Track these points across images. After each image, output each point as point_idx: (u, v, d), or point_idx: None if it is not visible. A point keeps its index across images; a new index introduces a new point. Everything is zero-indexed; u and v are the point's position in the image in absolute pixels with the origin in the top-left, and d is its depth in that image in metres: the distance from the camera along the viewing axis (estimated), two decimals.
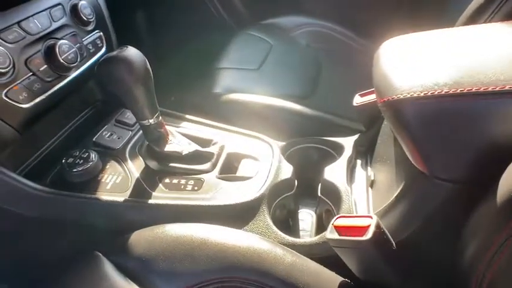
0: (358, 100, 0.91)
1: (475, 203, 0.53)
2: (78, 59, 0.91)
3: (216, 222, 0.75)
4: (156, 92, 0.84)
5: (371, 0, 1.67)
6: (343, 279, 0.68)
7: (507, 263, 0.44)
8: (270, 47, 1.55)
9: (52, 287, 0.72)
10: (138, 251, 0.69)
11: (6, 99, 0.77)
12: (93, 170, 0.90)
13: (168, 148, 0.91)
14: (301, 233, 0.91)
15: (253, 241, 0.69)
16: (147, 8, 1.89)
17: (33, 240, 0.92)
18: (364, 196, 0.84)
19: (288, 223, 0.95)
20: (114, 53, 0.77)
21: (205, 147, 0.98)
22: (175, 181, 0.90)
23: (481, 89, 0.50)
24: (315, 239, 0.80)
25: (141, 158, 0.95)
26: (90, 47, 0.99)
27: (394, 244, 0.57)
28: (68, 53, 0.88)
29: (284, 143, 1.04)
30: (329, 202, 0.89)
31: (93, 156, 0.91)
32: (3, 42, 0.77)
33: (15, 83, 0.78)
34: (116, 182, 0.89)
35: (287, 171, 0.94)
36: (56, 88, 0.88)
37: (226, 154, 0.98)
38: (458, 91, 0.51)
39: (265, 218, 0.83)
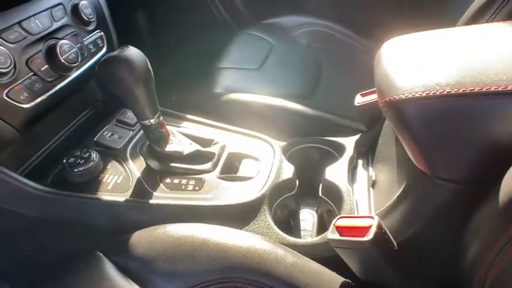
0: (359, 100, 0.91)
1: (477, 204, 0.53)
2: (79, 59, 0.91)
3: (217, 222, 0.75)
4: (157, 91, 0.84)
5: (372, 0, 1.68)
6: (345, 279, 0.68)
7: (510, 263, 0.43)
8: (270, 46, 1.55)
9: (53, 287, 0.71)
10: (139, 251, 0.69)
11: (7, 99, 0.77)
12: (94, 170, 0.90)
13: (169, 148, 0.91)
14: (302, 233, 0.91)
15: (254, 241, 0.69)
16: (148, 8, 1.89)
17: (34, 240, 0.92)
18: (366, 196, 0.84)
19: (289, 223, 0.95)
20: (115, 52, 0.77)
21: (206, 147, 0.98)
22: (176, 181, 0.90)
23: (483, 89, 0.50)
24: (316, 239, 0.80)
25: (142, 158, 0.95)
26: (91, 47, 0.99)
27: (395, 244, 0.57)
28: (69, 53, 0.88)
29: (285, 143, 1.04)
30: (330, 202, 0.89)
31: (94, 156, 0.91)
32: (4, 42, 0.77)
33: (16, 83, 0.78)
34: (117, 182, 0.89)
35: (288, 171, 0.94)
36: (57, 88, 0.88)
37: (227, 154, 0.97)
38: (460, 91, 0.51)
39: (266, 218, 0.83)
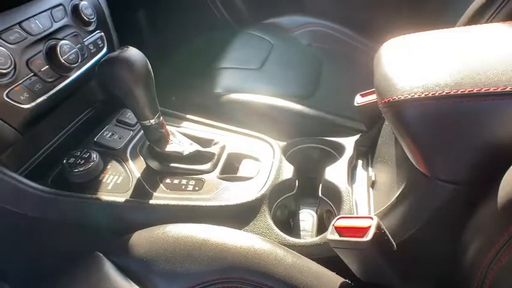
0: (359, 100, 0.91)
1: (476, 205, 0.53)
2: (79, 60, 0.92)
3: (216, 222, 0.75)
4: (157, 92, 0.84)
5: None
6: (344, 280, 0.68)
7: (509, 264, 0.43)
8: (271, 46, 1.55)
9: (53, 287, 0.72)
10: (139, 252, 0.69)
11: (8, 99, 0.77)
12: (94, 170, 0.90)
13: (169, 148, 0.91)
14: (302, 233, 0.91)
15: (254, 242, 0.69)
16: (148, 8, 1.89)
17: (34, 240, 0.93)
18: (365, 196, 0.84)
19: (288, 223, 0.95)
20: (115, 53, 0.77)
21: (206, 147, 0.98)
22: (176, 181, 0.90)
23: (482, 90, 0.50)
24: (315, 239, 0.80)
25: (142, 158, 0.95)
26: (92, 47, 0.99)
27: (394, 245, 0.57)
28: (69, 53, 0.88)
29: (285, 143, 1.04)
30: (330, 202, 0.89)
31: (94, 156, 0.91)
32: (5, 43, 0.77)
33: (17, 84, 0.79)
34: (116, 183, 0.89)
35: (288, 171, 0.94)
36: (57, 88, 0.88)
37: (227, 154, 0.98)
38: (459, 92, 0.51)
39: (266, 218, 0.83)
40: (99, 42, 1.02)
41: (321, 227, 0.92)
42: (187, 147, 0.93)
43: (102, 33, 1.04)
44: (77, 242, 0.85)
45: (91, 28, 1.00)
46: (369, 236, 0.53)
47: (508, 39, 0.61)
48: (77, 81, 0.94)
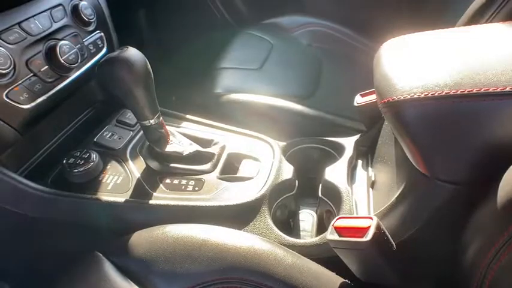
0: (359, 100, 0.91)
1: (475, 205, 0.53)
2: (79, 60, 0.92)
3: (216, 222, 0.75)
4: (156, 92, 0.84)
5: None
6: (344, 280, 0.68)
7: (508, 264, 0.43)
8: (271, 46, 1.55)
9: (52, 287, 0.72)
10: (138, 252, 0.69)
11: (7, 100, 0.77)
12: (94, 171, 0.90)
13: (168, 148, 0.91)
14: (301, 233, 0.91)
15: (253, 242, 0.69)
16: (148, 8, 1.89)
17: (33, 240, 0.93)
18: (365, 197, 0.84)
19: (288, 224, 0.95)
20: (115, 53, 0.77)
21: (206, 147, 0.98)
22: (176, 181, 0.90)
23: (482, 90, 0.50)
24: (315, 239, 0.80)
25: (142, 158, 0.95)
26: (91, 48, 0.99)
27: (394, 245, 0.57)
28: (69, 53, 0.88)
29: (285, 143, 1.04)
30: (330, 203, 0.89)
31: (94, 156, 0.91)
32: (4, 43, 0.77)
33: (16, 84, 0.79)
34: (116, 183, 0.89)
35: (288, 171, 0.94)
36: (56, 89, 0.88)
37: (227, 154, 0.98)
38: (458, 92, 0.51)
39: (265, 218, 0.83)
40: (99, 43, 1.02)
41: (321, 227, 0.92)
42: (187, 148, 0.93)
43: (102, 34, 1.04)
44: (76, 242, 0.85)
45: (91, 28, 1.00)
46: (369, 236, 0.53)
47: (507, 40, 0.61)
48: (77, 81, 0.94)
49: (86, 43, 0.97)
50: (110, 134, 1.02)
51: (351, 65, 1.57)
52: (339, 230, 0.59)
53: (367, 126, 0.95)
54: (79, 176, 0.88)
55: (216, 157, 0.95)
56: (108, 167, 0.93)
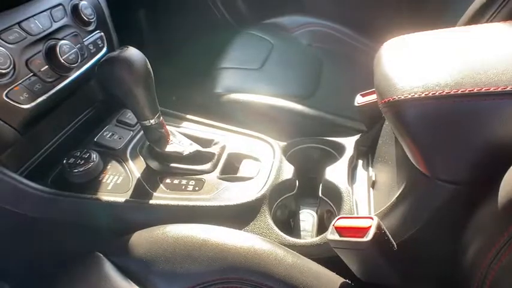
0: (359, 100, 0.91)
1: (476, 205, 0.53)
2: (79, 60, 0.91)
3: (216, 222, 0.75)
4: (157, 92, 0.84)
5: None
6: (344, 280, 0.68)
7: (509, 264, 0.43)
8: (271, 46, 1.55)
9: (52, 287, 0.71)
10: (138, 252, 0.69)
11: (7, 99, 0.77)
12: (94, 171, 0.90)
13: (169, 148, 0.91)
14: (302, 233, 0.91)
15: (254, 242, 0.69)
16: (148, 8, 1.89)
17: (33, 240, 0.93)
18: (366, 196, 0.84)
19: (289, 224, 0.95)
20: (115, 53, 0.77)
21: (206, 147, 0.98)
22: (176, 181, 0.90)
23: (483, 90, 0.50)
24: (316, 239, 0.80)
25: (142, 158, 0.95)
26: (91, 47, 0.99)
27: (395, 245, 0.57)
28: (69, 53, 0.88)
29: (285, 143, 1.04)
30: (330, 202, 0.89)
31: (94, 156, 0.91)
32: (4, 42, 0.77)
33: (16, 84, 0.78)
34: (116, 183, 0.89)
35: (288, 171, 0.94)
36: (56, 88, 0.88)
37: (227, 154, 0.97)
38: (459, 92, 0.51)
39: (266, 218, 0.83)
40: (99, 42, 1.02)
41: (321, 227, 0.92)
42: (187, 147, 0.93)
43: (102, 33, 1.03)
44: (76, 242, 0.85)
45: (91, 28, 0.99)
46: (369, 236, 0.53)
47: (508, 39, 0.60)
48: (77, 81, 0.94)
49: (86, 43, 0.97)
50: (110, 134, 1.02)
51: (351, 65, 1.56)
52: (340, 230, 0.59)
53: (368, 126, 0.95)
54: (79, 176, 0.88)
55: (216, 157, 0.95)
56: (109, 167, 0.93)
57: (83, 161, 0.89)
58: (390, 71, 0.62)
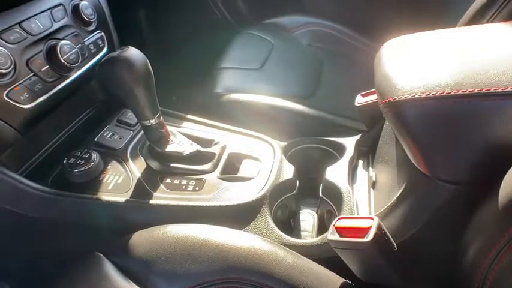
0: (359, 100, 0.91)
1: (476, 205, 0.53)
2: (80, 60, 0.91)
3: (217, 222, 0.75)
4: (157, 92, 0.84)
5: None
6: (345, 280, 0.68)
7: (509, 264, 0.43)
8: (271, 46, 1.55)
9: (52, 287, 0.72)
10: (139, 252, 0.69)
11: (8, 99, 0.77)
12: (95, 171, 0.90)
13: (169, 148, 0.91)
14: (302, 233, 0.91)
15: (254, 242, 0.69)
16: (148, 8, 1.89)
17: (34, 240, 0.93)
18: (366, 197, 0.84)
19: (289, 224, 0.95)
20: (116, 53, 0.77)
21: (206, 147, 0.98)
22: (176, 181, 0.90)
23: (483, 90, 0.50)
24: (316, 240, 0.80)
25: (142, 158, 0.95)
26: (92, 47, 0.99)
27: (395, 245, 0.57)
28: (70, 53, 0.88)
29: (285, 143, 1.04)
30: (330, 203, 0.89)
31: (95, 156, 0.91)
32: (4, 42, 0.77)
33: (17, 84, 0.79)
34: (117, 183, 0.89)
35: (288, 171, 0.94)
36: (57, 88, 0.88)
37: (227, 154, 0.97)
38: (460, 92, 0.51)
39: (266, 218, 0.83)
40: (100, 42, 1.02)
41: (322, 227, 0.92)
42: (188, 147, 0.93)
43: (103, 33, 1.03)
44: (77, 242, 0.85)
45: (91, 28, 0.99)
46: (370, 236, 0.53)
47: (508, 39, 0.60)
48: (77, 81, 0.94)
49: (86, 43, 0.97)
50: (110, 133, 1.02)
51: (352, 65, 1.57)
52: (340, 230, 0.59)
53: (368, 126, 0.95)
54: (79, 175, 0.88)
55: (216, 157, 0.95)
56: (109, 166, 0.93)
57: (83, 161, 0.89)
58: (391, 71, 0.62)
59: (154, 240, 0.71)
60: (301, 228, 0.92)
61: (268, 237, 0.80)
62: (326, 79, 1.46)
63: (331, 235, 0.59)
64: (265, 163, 0.95)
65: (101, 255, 0.71)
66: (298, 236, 0.90)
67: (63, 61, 0.87)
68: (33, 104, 0.82)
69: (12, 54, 0.77)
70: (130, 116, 1.08)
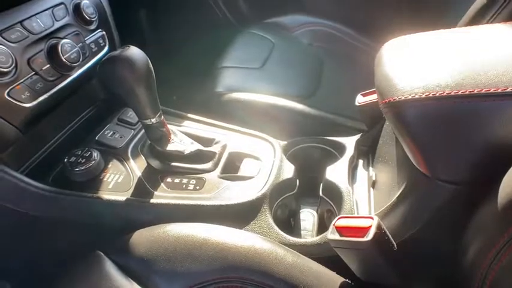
0: (360, 100, 0.91)
1: (476, 205, 0.53)
2: (81, 58, 0.91)
3: (217, 221, 0.75)
4: (158, 91, 0.84)
5: None
6: (344, 279, 0.68)
7: (509, 264, 0.43)
8: (272, 46, 1.55)
9: (53, 286, 0.72)
10: (139, 251, 0.70)
11: (9, 98, 0.77)
12: (95, 169, 0.90)
13: (170, 147, 0.91)
14: (302, 232, 0.91)
15: (254, 241, 0.69)
16: (150, 7, 1.89)
17: (34, 239, 0.93)
18: (366, 196, 0.84)
19: (289, 223, 0.95)
20: (117, 52, 0.77)
21: (207, 146, 0.98)
22: (177, 180, 0.90)
23: (483, 91, 0.50)
24: (316, 239, 0.80)
25: (143, 157, 0.95)
26: (93, 46, 0.99)
27: (395, 245, 0.57)
28: (71, 52, 0.88)
29: (286, 143, 1.04)
30: (330, 202, 0.89)
31: (96, 155, 0.91)
32: (6, 41, 0.77)
33: (18, 83, 0.79)
34: (118, 181, 0.89)
35: (289, 170, 0.94)
36: (58, 87, 0.88)
37: (228, 153, 0.98)
38: (459, 93, 0.51)
39: (266, 217, 0.84)
40: (101, 41, 1.02)
41: (322, 227, 0.92)
42: (189, 146, 0.93)
43: (104, 32, 1.03)
44: (77, 241, 0.85)
45: (92, 27, 1.00)
46: (370, 236, 0.53)
47: (509, 40, 0.60)
48: (78, 80, 0.94)
49: (87, 42, 0.97)
50: (111, 132, 1.02)
51: (352, 64, 1.56)
52: (340, 230, 0.59)
53: (368, 126, 0.95)
54: (80, 174, 0.89)
55: (217, 156, 0.95)
56: (110, 165, 0.93)
57: (84, 160, 0.90)
58: (391, 71, 0.62)
59: (154, 239, 0.71)
60: (301, 228, 0.92)
61: (268, 237, 0.80)
62: (326, 79, 1.46)
63: (331, 234, 0.59)
64: (266, 162, 0.95)
65: (102, 254, 0.71)
66: (298, 235, 0.90)
67: (64, 60, 0.87)
68: (34, 102, 0.82)
69: (13, 53, 0.77)
70: (131, 115, 1.08)
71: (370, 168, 0.90)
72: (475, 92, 0.50)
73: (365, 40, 1.68)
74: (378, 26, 1.39)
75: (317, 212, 0.94)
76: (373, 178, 0.85)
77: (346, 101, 1.02)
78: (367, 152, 0.95)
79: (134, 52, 0.77)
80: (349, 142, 0.99)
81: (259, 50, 1.51)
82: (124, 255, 0.70)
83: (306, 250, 0.77)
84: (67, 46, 0.88)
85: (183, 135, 0.97)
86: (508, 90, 0.48)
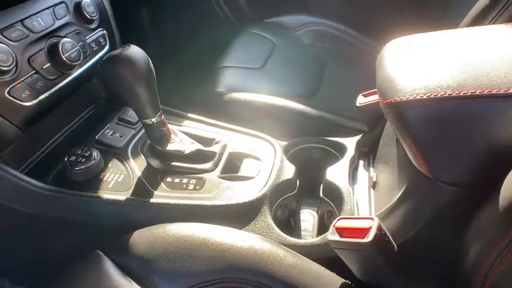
0: (361, 100, 0.91)
1: (477, 207, 0.53)
2: (81, 57, 0.91)
3: (217, 222, 0.75)
4: (158, 90, 0.84)
5: None
6: (345, 280, 0.68)
7: (509, 267, 0.43)
8: (273, 45, 1.55)
9: (53, 285, 0.72)
10: (139, 251, 0.69)
11: (9, 97, 0.77)
12: (95, 169, 0.90)
13: (170, 147, 0.91)
14: (302, 233, 0.91)
15: (254, 241, 0.69)
16: (150, 6, 1.89)
17: (34, 238, 0.93)
18: (366, 197, 0.84)
19: (289, 223, 0.95)
20: (117, 51, 0.77)
21: (207, 146, 0.98)
22: (177, 180, 0.90)
23: (485, 92, 0.50)
24: (316, 240, 0.80)
25: (143, 156, 0.95)
26: (94, 45, 0.99)
27: (395, 246, 0.57)
28: (71, 51, 0.88)
29: (286, 143, 1.04)
30: (331, 203, 0.89)
31: (96, 154, 0.91)
32: (6, 40, 0.77)
33: (18, 81, 0.79)
34: (118, 181, 0.89)
35: (289, 171, 0.94)
36: (58, 86, 0.88)
37: (228, 153, 0.97)
38: (461, 94, 0.51)
39: (266, 218, 0.83)
40: (101, 40, 1.02)
41: (322, 228, 0.92)
42: (189, 146, 0.93)
43: (105, 31, 1.03)
44: (77, 240, 0.85)
45: (93, 26, 0.99)
46: (370, 237, 0.53)
47: (510, 41, 0.60)
48: (79, 79, 0.94)
49: (88, 41, 0.97)
50: (111, 132, 1.02)
51: (353, 65, 1.56)
52: (340, 231, 0.58)
53: (369, 127, 0.95)
54: (80, 173, 0.88)
55: (217, 156, 0.95)
56: (110, 165, 0.93)
57: (84, 159, 0.90)
58: (392, 72, 0.62)
59: (154, 239, 0.71)
60: (302, 228, 0.92)
61: (268, 237, 0.80)
62: (327, 79, 1.46)
63: (332, 235, 0.59)
64: (266, 162, 0.95)
65: (101, 253, 0.71)
66: (299, 236, 0.90)
67: (64, 59, 0.86)
68: (35, 101, 0.82)
69: (14, 51, 0.77)
70: (131, 114, 1.08)
71: (371, 169, 0.90)
72: (477, 93, 0.50)
73: (366, 40, 1.67)
74: (380, 26, 1.38)
75: (317, 213, 0.94)
76: (374, 179, 0.84)
77: (347, 102, 1.02)
78: (368, 152, 0.95)
79: (135, 51, 0.77)
80: (350, 143, 0.99)
81: (260, 50, 1.51)
82: (124, 255, 0.70)
83: (306, 251, 0.77)
84: (68, 45, 0.88)
85: (183, 135, 0.97)
86: (510, 91, 0.48)
